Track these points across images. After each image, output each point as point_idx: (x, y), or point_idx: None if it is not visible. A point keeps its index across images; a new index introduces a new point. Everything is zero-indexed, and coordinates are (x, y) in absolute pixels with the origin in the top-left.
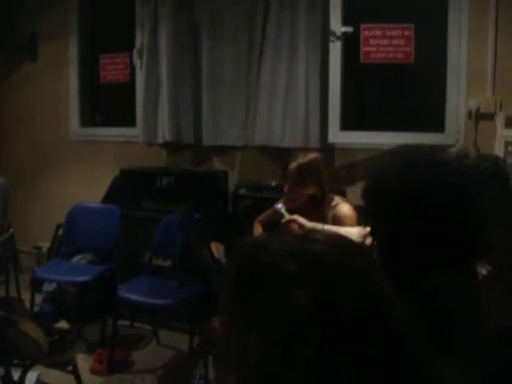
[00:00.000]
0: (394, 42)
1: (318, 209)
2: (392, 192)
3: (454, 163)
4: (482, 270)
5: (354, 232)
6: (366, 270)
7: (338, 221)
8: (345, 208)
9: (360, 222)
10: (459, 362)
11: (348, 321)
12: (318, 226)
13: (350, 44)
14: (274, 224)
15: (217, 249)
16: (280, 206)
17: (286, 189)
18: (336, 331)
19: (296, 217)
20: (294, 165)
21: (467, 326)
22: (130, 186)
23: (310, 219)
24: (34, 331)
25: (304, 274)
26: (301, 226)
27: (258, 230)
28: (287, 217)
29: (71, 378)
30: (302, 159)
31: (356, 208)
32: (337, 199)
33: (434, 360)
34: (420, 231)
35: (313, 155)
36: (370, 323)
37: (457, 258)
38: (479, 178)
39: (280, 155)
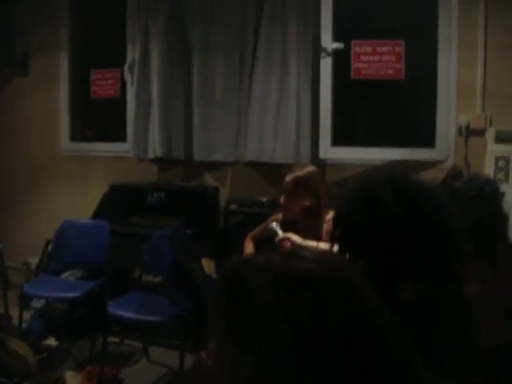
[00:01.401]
0: (385, 57)
1: (313, 222)
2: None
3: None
4: (476, 284)
5: None
6: (355, 286)
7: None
8: None
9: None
10: (444, 371)
11: (338, 337)
12: (312, 243)
13: (341, 60)
14: (267, 240)
15: (208, 265)
16: (274, 224)
17: (282, 200)
18: (326, 349)
19: (290, 235)
20: (290, 177)
21: (452, 337)
22: (120, 202)
23: (304, 232)
24: (22, 349)
25: (289, 302)
26: (294, 243)
27: (249, 245)
28: (281, 235)
29: None
30: (299, 172)
31: None
32: (331, 213)
33: (421, 371)
34: (398, 244)
35: (309, 168)
36: (360, 338)
37: (439, 269)
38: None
39: (271, 171)
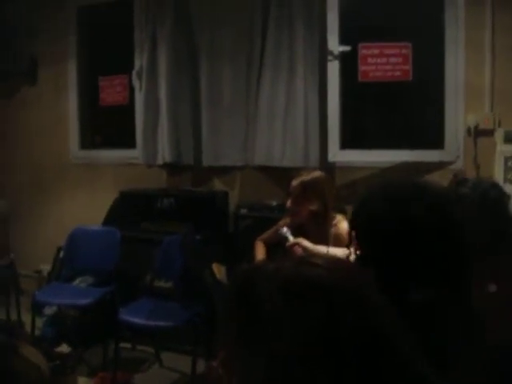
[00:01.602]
0: (392, 60)
1: (320, 226)
2: (379, 212)
3: (433, 185)
4: (491, 287)
5: None
6: (366, 294)
7: (338, 238)
8: (345, 226)
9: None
10: (451, 374)
11: (349, 344)
12: (323, 249)
13: (348, 63)
14: (277, 244)
15: (218, 270)
16: (285, 229)
17: (289, 203)
18: (337, 356)
19: (300, 240)
20: (297, 181)
21: (460, 340)
22: (130, 208)
23: (312, 236)
24: (34, 356)
25: (299, 308)
26: (305, 249)
27: (260, 249)
28: (292, 240)
29: None
30: (306, 176)
31: None
32: (338, 217)
33: (433, 380)
34: (406, 249)
35: (317, 173)
36: (371, 346)
37: (448, 274)
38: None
39: (280, 175)
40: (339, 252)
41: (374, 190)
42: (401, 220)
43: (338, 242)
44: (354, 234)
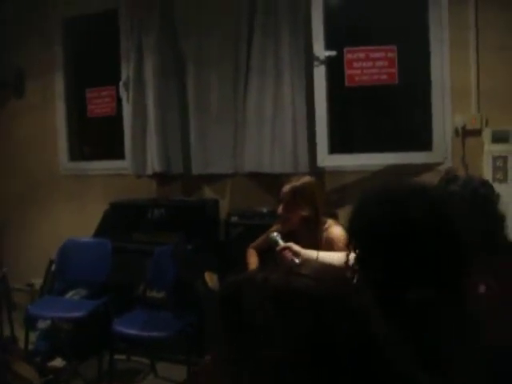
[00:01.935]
0: (378, 63)
1: (312, 231)
2: (375, 216)
3: (430, 186)
4: (481, 288)
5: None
6: (356, 301)
7: (330, 243)
8: (337, 230)
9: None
10: (444, 375)
11: (343, 351)
12: (313, 253)
13: (334, 68)
14: (268, 250)
15: (211, 278)
16: (275, 234)
17: (279, 210)
18: (330, 364)
19: (291, 244)
20: (287, 187)
21: (454, 341)
22: (120, 219)
23: (304, 241)
24: (27, 372)
25: (288, 319)
26: (295, 253)
27: (252, 257)
28: (282, 244)
29: None
30: (296, 182)
31: None
32: (329, 222)
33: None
34: (406, 251)
35: (307, 178)
36: (364, 352)
37: (444, 275)
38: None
39: (270, 181)
40: (329, 256)
41: (370, 192)
42: (399, 222)
43: (329, 247)
44: (350, 236)
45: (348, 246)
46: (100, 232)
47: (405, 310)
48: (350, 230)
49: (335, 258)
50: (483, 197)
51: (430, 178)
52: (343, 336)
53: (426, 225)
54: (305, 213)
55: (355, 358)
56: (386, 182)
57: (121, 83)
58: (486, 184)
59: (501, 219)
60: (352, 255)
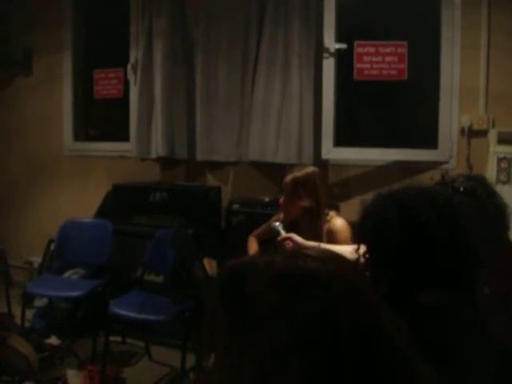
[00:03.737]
0: (388, 58)
1: (313, 222)
2: (388, 216)
3: (441, 190)
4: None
5: (348, 250)
6: (360, 284)
7: (331, 235)
8: (338, 222)
9: (353, 236)
10: (452, 373)
11: (348, 334)
12: (314, 244)
13: (344, 61)
14: (270, 240)
15: (209, 265)
16: (277, 223)
17: (281, 200)
18: (335, 346)
19: (292, 235)
20: (289, 178)
21: (464, 341)
22: (122, 201)
23: (305, 232)
24: (23, 347)
25: (295, 302)
26: (296, 244)
27: (253, 245)
28: (283, 234)
29: None
30: (298, 173)
31: (350, 223)
32: (331, 214)
33: (424, 371)
34: (416, 252)
35: (309, 169)
36: (366, 337)
37: (454, 276)
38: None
39: (273, 171)
40: (330, 247)
41: (381, 196)
42: (411, 227)
43: (330, 239)
44: (361, 237)
45: (357, 243)
46: (101, 213)
47: (418, 312)
48: (361, 231)
49: (337, 250)
50: (480, 197)
51: (434, 177)
52: (351, 316)
53: (438, 230)
54: (306, 204)
55: (362, 340)
56: (395, 186)
57: (129, 65)
58: (484, 184)
59: (501, 219)
60: (362, 247)
